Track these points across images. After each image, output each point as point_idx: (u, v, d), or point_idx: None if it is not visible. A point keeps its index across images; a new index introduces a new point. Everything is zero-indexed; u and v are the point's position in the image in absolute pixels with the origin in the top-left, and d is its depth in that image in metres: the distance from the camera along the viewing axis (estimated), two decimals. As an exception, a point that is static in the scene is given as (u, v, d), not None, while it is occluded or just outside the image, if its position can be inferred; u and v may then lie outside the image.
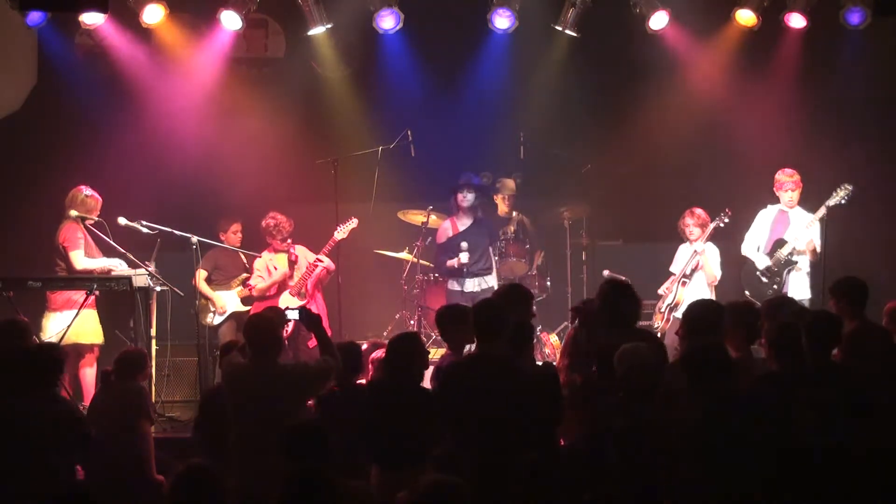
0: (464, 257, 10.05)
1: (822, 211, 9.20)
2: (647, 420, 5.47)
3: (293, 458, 5.17)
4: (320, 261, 9.83)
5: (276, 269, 9.93)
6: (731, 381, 5.53)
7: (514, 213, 10.88)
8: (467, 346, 6.44)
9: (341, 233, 9.87)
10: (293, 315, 6.57)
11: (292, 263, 9.93)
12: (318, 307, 9.79)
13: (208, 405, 6.64)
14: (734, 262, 9.81)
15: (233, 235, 10.19)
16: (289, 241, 9.94)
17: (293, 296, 9.82)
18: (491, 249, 10.22)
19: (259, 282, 9.91)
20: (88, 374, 9.03)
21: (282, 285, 9.91)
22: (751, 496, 5.26)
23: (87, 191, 9.16)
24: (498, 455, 5.55)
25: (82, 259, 9.01)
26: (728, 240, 9.77)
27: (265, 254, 10.00)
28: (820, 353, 5.88)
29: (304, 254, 9.97)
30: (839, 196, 9.13)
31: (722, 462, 5.32)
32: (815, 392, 5.63)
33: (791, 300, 8.09)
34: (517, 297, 6.54)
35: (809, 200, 9.52)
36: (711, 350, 5.64)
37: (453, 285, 10.08)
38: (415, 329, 10.02)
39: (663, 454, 5.41)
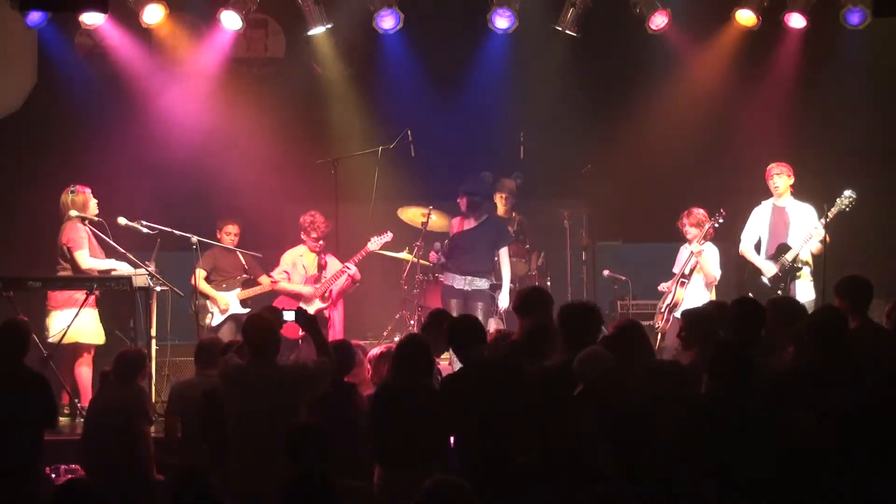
0: (432, 256, 10.02)
1: (825, 220, 9.13)
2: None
3: (294, 459, 5.18)
4: (347, 268, 9.80)
5: (304, 267, 9.91)
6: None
7: (513, 214, 10.87)
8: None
9: (375, 244, 9.87)
10: (289, 316, 6.57)
11: (321, 268, 9.92)
12: (339, 314, 9.81)
13: (205, 406, 6.62)
14: (734, 263, 9.81)
15: (226, 237, 10.14)
16: (321, 243, 9.91)
17: (317, 297, 9.80)
18: (503, 251, 10.10)
19: (282, 277, 9.87)
20: (85, 373, 9.02)
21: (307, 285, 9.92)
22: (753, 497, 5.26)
23: (72, 188, 9.14)
24: (500, 455, 5.56)
25: (87, 258, 8.99)
26: (728, 240, 9.76)
27: (299, 247, 9.97)
28: (822, 352, 5.87)
29: (333, 264, 9.95)
30: (843, 204, 9.06)
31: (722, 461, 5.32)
32: (814, 392, 5.63)
33: (794, 300, 8.08)
34: (537, 300, 6.58)
35: (808, 200, 9.50)
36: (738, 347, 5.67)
37: (445, 280, 10.09)
38: (414, 329, 10.02)
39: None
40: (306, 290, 9.79)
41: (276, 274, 9.96)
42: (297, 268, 9.93)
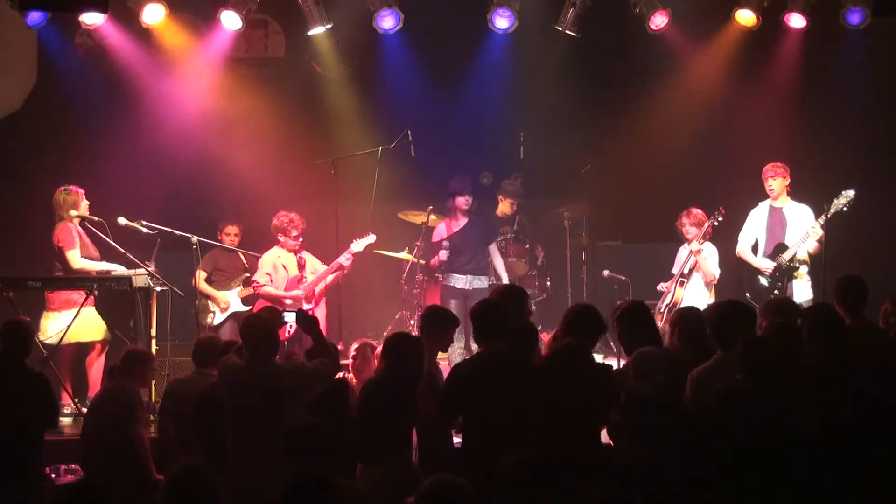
0: (442, 255, 10.05)
1: (823, 219, 9.13)
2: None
3: (294, 459, 5.18)
4: (342, 265, 9.73)
5: (285, 267, 9.88)
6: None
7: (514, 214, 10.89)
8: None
9: (358, 246, 9.84)
10: (290, 317, 6.57)
11: (301, 267, 9.90)
12: (322, 313, 9.81)
13: (204, 405, 6.63)
14: (734, 262, 9.81)
15: (226, 237, 10.17)
16: (301, 240, 9.90)
17: (303, 298, 9.80)
18: (492, 248, 10.20)
19: (266, 280, 9.83)
20: (94, 371, 9.02)
21: (290, 285, 9.89)
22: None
23: (66, 187, 9.15)
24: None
25: (78, 258, 9.00)
26: (728, 240, 9.77)
27: (275, 249, 9.93)
28: (822, 351, 5.87)
29: (310, 260, 9.94)
30: (841, 203, 9.05)
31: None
32: (814, 391, 5.63)
33: (791, 300, 8.09)
34: (512, 298, 6.59)
35: (809, 201, 9.51)
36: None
37: (446, 281, 10.12)
38: (414, 329, 10.02)
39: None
40: (295, 293, 9.72)
41: (260, 277, 9.84)
42: (278, 270, 9.88)
